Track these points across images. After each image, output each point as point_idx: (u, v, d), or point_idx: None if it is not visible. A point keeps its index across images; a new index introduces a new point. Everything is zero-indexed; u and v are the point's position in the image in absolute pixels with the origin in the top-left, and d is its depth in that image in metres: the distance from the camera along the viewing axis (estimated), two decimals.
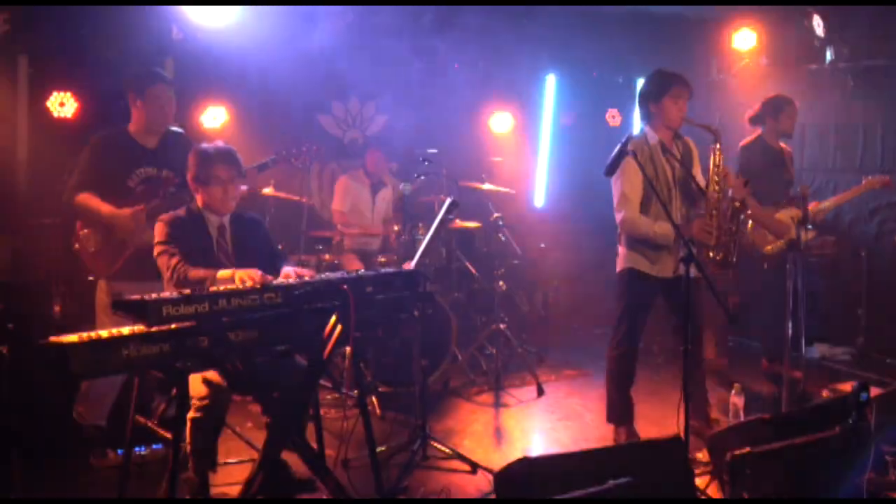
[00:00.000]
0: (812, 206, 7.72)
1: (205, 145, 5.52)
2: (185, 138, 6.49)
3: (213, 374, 4.93)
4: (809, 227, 7.18)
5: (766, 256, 7.77)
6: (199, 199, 5.47)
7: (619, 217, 6.37)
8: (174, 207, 5.62)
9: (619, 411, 6.62)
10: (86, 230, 6.18)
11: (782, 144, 8.11)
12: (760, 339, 8.73)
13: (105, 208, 6.04)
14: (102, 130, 6.28)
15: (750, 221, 7.79)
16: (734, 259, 6.38)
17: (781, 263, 7.16)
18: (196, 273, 5.02)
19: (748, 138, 8.12)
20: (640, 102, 6.56)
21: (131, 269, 6.06)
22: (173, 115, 6.36)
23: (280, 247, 6.77)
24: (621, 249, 6.59)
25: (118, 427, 5.61)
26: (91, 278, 6.28)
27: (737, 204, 6.35)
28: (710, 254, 6.27)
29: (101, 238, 6.14)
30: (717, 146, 6.33)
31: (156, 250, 5.21)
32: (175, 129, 6.47)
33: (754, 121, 8.12)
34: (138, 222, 6.01)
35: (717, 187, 6.29)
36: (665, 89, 6.37)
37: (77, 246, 6.22)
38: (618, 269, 6.62)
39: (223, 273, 4.96)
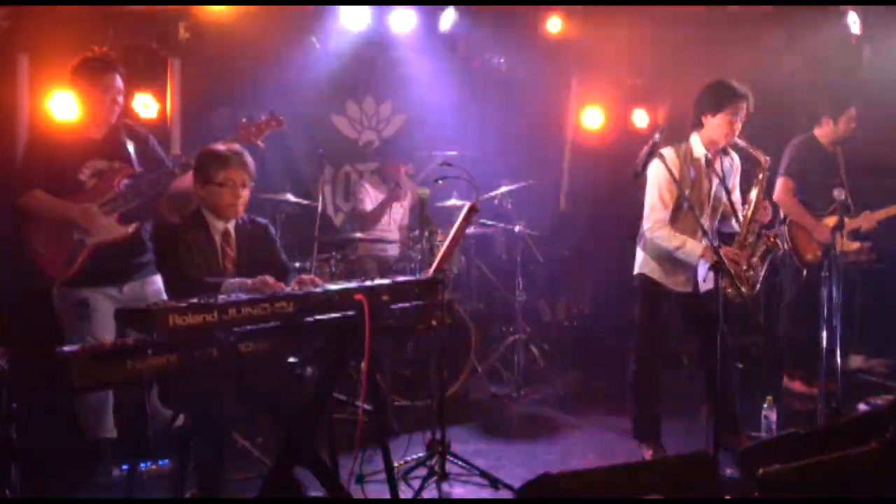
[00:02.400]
0: (865, 215, 7.69)
1: (216, 146, 5.51)
2: (135, 128, 6.40)
3: (221, 388, 4.91)
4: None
5: (806, 264, 7.72)
6: (203, 203, 5.45)
7: (646, 224, 6.35)
8: (130, 200, 5.58)
9: (644, 427, 6.60)
10: (38, 232, 6.03)
11: (837, 148, 8.03)
12: (784, 353, 8.61)
13: (65, 204, 5.95)
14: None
15: (787, 227, 7.76)
16: (751, 294, 6.33)
17: (820, 273, 7.12)
18: (208, 284, 5.00)
19: (799, 137, 8.05)
20: (694, 108, 6.45)
21: (93, 272, 5.98)
22: (120, 104, 6.26)
23: (291, 253, 6.78)
24: (639, 253, 6.57)
25: (126, 441, 5.61)
26: (45, 280, 6.09)
27: (771, 239, 6.33)
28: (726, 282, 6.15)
29: (53, 238, 5.99)
30: (762, 177, 6.30)
31: (158, 261, 5.20)
32: (125, 120, 6.41)
33: (811, 117, 8.02)
34: (92, 218, 5.92)
35: (752, 216, 6.26)
36: (725, 103, 6.25)
37: (29, 249, 6.05)
38: (634, 271, 6.61)
39: (231, 281, 4.95)
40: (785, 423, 6.82)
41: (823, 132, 7.97)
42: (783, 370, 8.29)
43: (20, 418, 5.30)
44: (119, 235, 5.99)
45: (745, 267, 6.21)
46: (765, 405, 6.81)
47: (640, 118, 11.42)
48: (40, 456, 6.07)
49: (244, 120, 6.28)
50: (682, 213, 6.24)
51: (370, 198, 9.36)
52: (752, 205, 6.30)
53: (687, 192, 6.19)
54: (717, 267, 5.40)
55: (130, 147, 6.16)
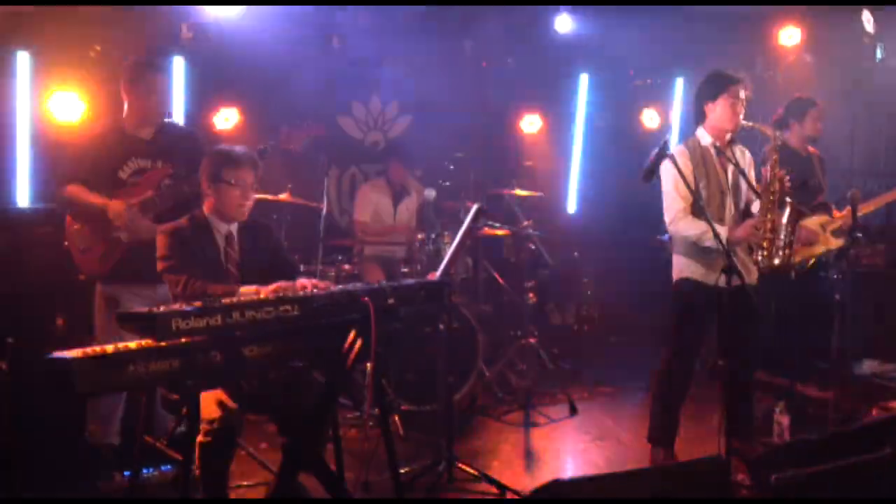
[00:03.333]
0: (847, 210, 7.67)
1: (227, 146, 5.53)
2: (185, 129, 6.50)
3: (225, 396, 4.90)
4: (858, 234, 7.11)
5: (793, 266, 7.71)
6: (208, 203, 5.44)
7: (667, 218, 6.37)
8: (169, 201, 5.60)
9: (662, 432, 6.58)
10: (76, 226, 6.20)
11: (810, 149, 8.04)
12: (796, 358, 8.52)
13: (95, 199, 6.05)
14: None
15: None
16: (785, 264, 6.33)
17: (813, 273, 7.11)
18: (215, 289, 4.98)
19: (771, 144, 8.07)
20: (695, 101, 6.55)
21: (126, 270, 6.06)
22: (168, 104, 6.37)
23: (296, 256, 6.77)
24: (675, 258, 6.57)
25: (128, 446, 5.61)
26: (82, 278, 6.28)
27: (791, 204, 6.32)
28: (761, 255, 6.21)
29: (91, 234, 6.14)
30: (774, 145, 6.31)
31: (160, 265, 5.19)
32: (172, 120, 6.48)
33: (778, 125, 8.04)
34: (124, 215, 6.00)
35: (773, 188, 6.26)
36: (722, 88, 6.35)
37: (66, 243, 6.24)
38: (673, 278, 6.60)
39: (246, 289, 4.95)
40: (797, 428, 6.81)
41: (793, 136, 7.98)
42: (796, 373, 8.26)
43: (22, 422, 5.33)
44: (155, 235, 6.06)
45: (769, 235, 6.19)
46: (777, 410, 6.80)
47: (651, 118, 11.41)
48: (42, 460, 6.08)
49: (286, 128, 6.38)
50: (701, 205, 6.24)
51: (366, 205, 9.38)
52: (770, 175, 6.29)
53: (703, 183, 6.23)
54: (729, 269, 5.39)
55: (176, 148, 6.21)
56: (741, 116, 6.35)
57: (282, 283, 4.92)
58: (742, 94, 6.35)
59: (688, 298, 6.46)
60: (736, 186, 6.44)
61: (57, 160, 6.30)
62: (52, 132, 7.67)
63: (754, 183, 6.46)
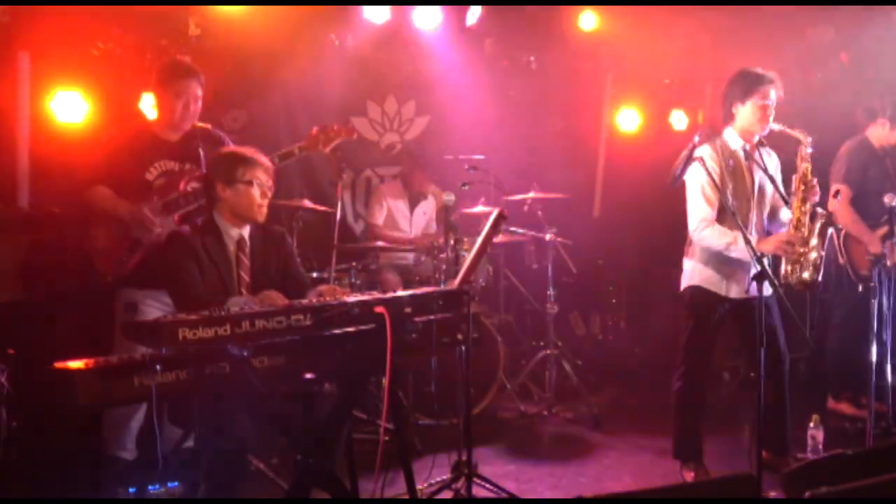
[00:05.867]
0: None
1: (236, 147, 5.56)
2: (214, 133, 6.54)
3: (234, 410, 4.89)
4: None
5: (862, 279, 7.65)
6: (220, 208, 5.45)
7: (692, 226, 6.35)
8: (192, 202, 5.62)
9: (686, 446, 6.57)
10: (97, 227, 6.23)
11: (886, 151, 7.95)
12: (830, 372, 8.45)
13: (117, 201, 6.12)
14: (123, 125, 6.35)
15: (839, 239, 7.70)
16: (818, 278, 6.31)
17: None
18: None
19: (853, 140, 7.98)
20: (723, 102, 6.51)
21: (146, 275, 6.08)
22: (197, 109, 6.41)
23: (308, 263, 6.77)
24: (688, 264, 6.54)
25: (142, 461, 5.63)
26: (109, 278, 6.28)
27: (825, 215, 6.30)
28: (789, 269, 6.21)
29: (111, 235, 6.17)
30: (805, 152, 6.28)
31: (162, 275, 5.20)
32: (201, 124, 6.52)
33: (866, 115, 7.95)
34: (142, 217, 6.03)
35: (802, 196, 6.23)
36: (751, 90, 6.32)
37: (86, 245, 6.26)
38: (682, 286, 6.58)
39: (236, 300, 4.95)
40: (832, 443, 6.78)
41: (876, 133, 7.89)
42: (829, 389, 8.23)
43: (24, 436, 5.34)
44: None
45: (801, 249, 6.18)
46: (811, 425, 6.77)
47: (679, 119, 11.38)
48: (46, 473, 6.10)
49: (316, 128, 6.48)
50: (727, 210, 6.22)
51: (381, 207, 9.37)
52: (800, 181, 6.27)
53: (730, 187, 6.22)
54: (760, 276, 5.37)
55: (204, 151, 6.25)
56: (771, 119, 6.32)
57: (272, 293, 4.92)
58: (773, 96, 6.33)
59: (698, 307, 6.46)
60: (762, 192, 6.42)
61: (82, 162, 6.32)
62: (56, 133, 7.68)
63: (781, 188, 6.44)
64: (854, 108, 8.26)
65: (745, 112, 6.35)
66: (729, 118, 6.45)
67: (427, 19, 9.31)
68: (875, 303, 6.80)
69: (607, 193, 11.67)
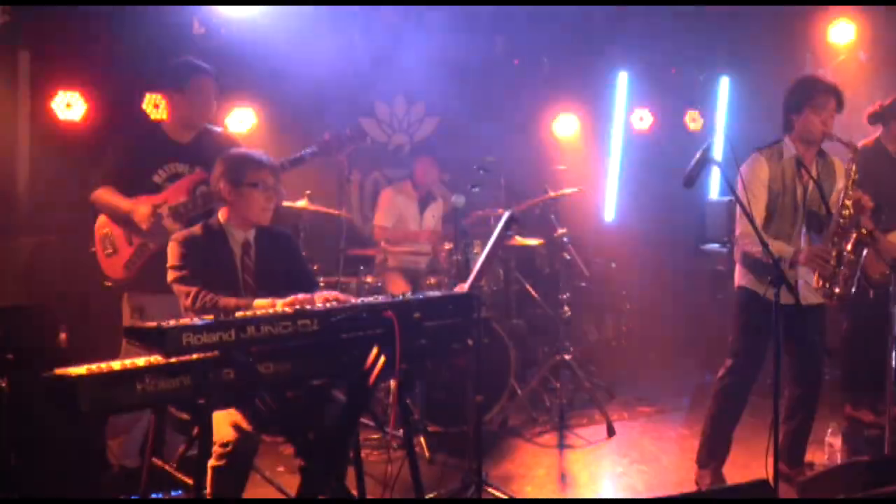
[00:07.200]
0: None
1: (242, 149, 5.56)
2: (225, 136, 6.55)
3: (239, 417, 4.88)
4: None
5: (873, 284, 7.61)
6: (225, 210, 5.44)
7: (737, 230, 6.38)
8: (202, 207, 5.62)
9: (713, 452, 6.57)
10: (104, 230, 6.24)
11: None
12: (848, 379, 8.40)
13: (123, 202, 6.10)
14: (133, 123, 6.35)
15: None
16: (849, 293, 6.30)
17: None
18: (227, 302, 4.98)
19: (866, 139, 7.94)
20: (783, 109, 6.52)
21: (153, 278, 6.00)
22: (213, 111, 6.42)
23: (315, 267, 6.76)
24: (737, 265, 6.62)
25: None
26: (109, 284, 6.29)
27: (863, 231, 6.28)
28: (821, 283, 6.19)
29: (119, 238, 6.18)
30: (854, 166, 6.27)
31: (170, 275, 5.18)
32: (212, 126, 6.52)
33: (874, 119, 7.93)
34: (147, 219, 6.01)
35: (846, 212, 6.22)
36: (807, 98, 6.33)
37: (93, 248, 6.28)
38: (735, 284, 6.59)
39: (261, 302, 4.94)
40: (850, 451, 6.76)
41: (891, 135, 7.86)
42: (847, 397, 8.20)
43: (24, 444, 5.32)
44: None
45: (833, 263, 6.17)
46: (828, 432, 6.75)
47: (694, 119, 11.38)
48: (43, 483, 6.08)
49: (328, 134, 6.47)
50: (773, 220, 6.23)
51: (389, 208, 9.37)
52: (844, 195, 6.26)
53: (778, 196, 6.26)
54: (777, 280, 5.36)
55: (215, 154, 6.25)
56: (829, 128, 6.31)
57: (299, 296, 4.90)
58: (831, 104, 6.32)
59: (747, 309, 6.48)
60: (813, 205, 6.41)
61: (91, 163, 6.33)
62: (56, 133, 7.69)
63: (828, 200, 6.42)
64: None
65: (801, 122, 6.36)
66: (788, 127, 6.47)
67: (436, 17, 9.31)
68: (894, 309, 6.77)
69: (621, 196, 11.66)
